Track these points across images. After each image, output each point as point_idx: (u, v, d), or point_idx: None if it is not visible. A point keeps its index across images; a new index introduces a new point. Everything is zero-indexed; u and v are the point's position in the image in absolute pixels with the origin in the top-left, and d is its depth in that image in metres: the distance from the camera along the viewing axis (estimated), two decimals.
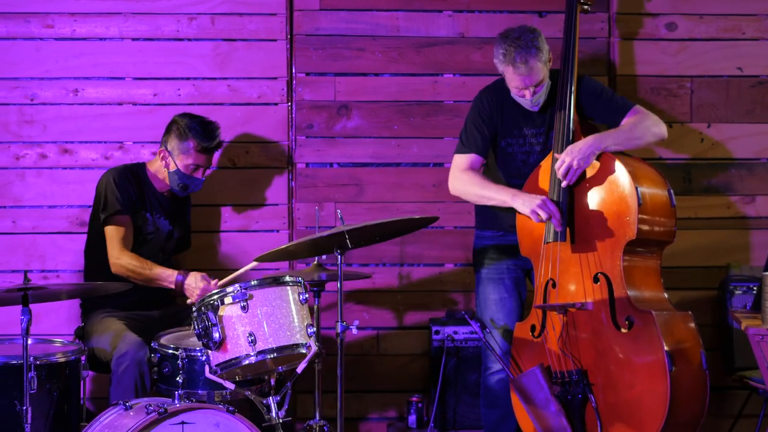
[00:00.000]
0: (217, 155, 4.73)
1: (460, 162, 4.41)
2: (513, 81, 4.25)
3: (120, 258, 4.39)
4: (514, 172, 4.42)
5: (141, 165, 4.65)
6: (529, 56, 4.18)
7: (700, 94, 5.05)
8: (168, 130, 4.54)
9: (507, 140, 4.40)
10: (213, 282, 4.33)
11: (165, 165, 4.53)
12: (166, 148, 4.51)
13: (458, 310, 4.93)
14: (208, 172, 4.62)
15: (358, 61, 4.98)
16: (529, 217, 4.17)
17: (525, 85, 4.24)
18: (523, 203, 4.18)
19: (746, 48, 5.06)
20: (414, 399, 4.75)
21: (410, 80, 4.99)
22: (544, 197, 4.16)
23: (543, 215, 4.11)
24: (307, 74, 4.98)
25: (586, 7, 4.43)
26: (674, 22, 5.03)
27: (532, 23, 4.44)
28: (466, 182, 4.37)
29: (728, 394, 4.96)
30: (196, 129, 4.47)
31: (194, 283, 4.32)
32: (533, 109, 4.35)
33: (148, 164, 4.64)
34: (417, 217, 4.09)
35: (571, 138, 4.20)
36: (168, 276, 4.37)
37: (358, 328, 3.88)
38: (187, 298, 4.37)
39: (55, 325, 4.75)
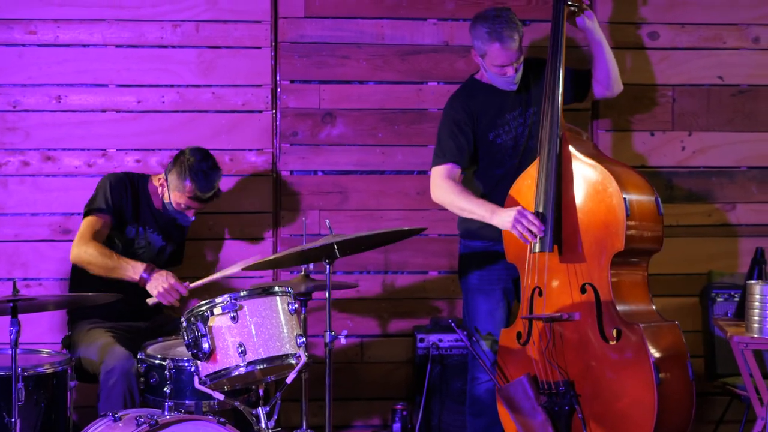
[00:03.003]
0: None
1: (440, 172, 4.41)
2: (498, 58, 4.29)
3: (80, 246, 4.33)
4: (506, 159, 4.43)
5: (144, 177, 4.62)
6: (515, 32, 4.27)
7: (682, 102, 5.09)
8: (174, 161, 4.49)
9: (494, 132, 4.42)
10: (183, 284, 4.31)
11: (161, 192, 4.51)
12: (166, 178, 4.48)
13: (442, 317, 4.93)
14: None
15: (342, 69, 4.98)
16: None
17: (510, 60, 4.29)
18: (501, 220, 4.19)
19: (727, 57, 5.11)
20: (399, 407, 4.73)
21: (395, 88, 5.01)
22: (518, 208, 4.16)
23: (524, 233, 4.12)
24: (292, 82, 4.98)
25: (573, 8, 4.44)
26: (656, 32, 5.07)
27: None
28: (448, 191, 4.36)
29: (710, 399, 5.00)
30: (197, 175, 4.40)
31: (162, 279, 4.27)
32: (512, 87, 4.39)
33: (151, 177, 4.61)
34: (406, 228, 4.10)
35: (558, 133, 4.20)
36: (132, 268, 4.30)
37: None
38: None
39: (39, 333, 4.71)
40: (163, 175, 4.50)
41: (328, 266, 3.91)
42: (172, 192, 4.46)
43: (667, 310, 4.94)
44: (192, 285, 4.35)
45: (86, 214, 4.44)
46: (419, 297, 5.03)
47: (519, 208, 4.16)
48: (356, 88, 4.99)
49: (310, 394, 4.39)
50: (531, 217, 4.12)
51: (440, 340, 4.74)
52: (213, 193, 4.48)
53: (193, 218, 4.55)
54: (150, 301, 4.31)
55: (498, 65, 4.32)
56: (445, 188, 4.37)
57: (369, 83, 5.01)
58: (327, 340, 3.87)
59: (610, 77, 4.53)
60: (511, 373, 4.25)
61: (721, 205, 5.11)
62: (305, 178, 4.99)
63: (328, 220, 4.07)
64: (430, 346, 4.72)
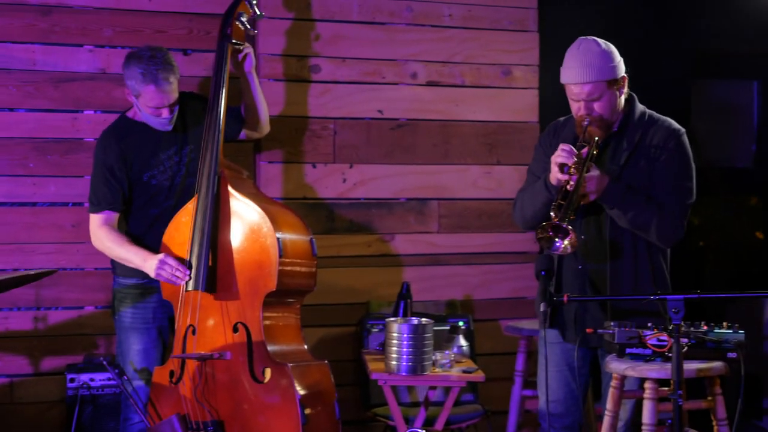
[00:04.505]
0: None
1: (96, 221, 4.30)
2: (153, 100, 4.19)
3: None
4: (161, 199, 4.35)
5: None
6: (171, 73, 4.18)
7: (343, 135, 5.18)
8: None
9: (149, 173, 4.32)
10: None
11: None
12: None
13: (99, 354, 4.77)
14: None
15: None
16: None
17: (166, 102, 4.20)
18: (151, 268, 4.13)
19: (386, 92, 5.24)
20: None
21: (48, 116, 4.81)
22: (161, 256, 4.11)
23: (170, 278, 4.07)
24: None
25: (238, 46, 4.41)
26: (318, 65, 5.13)
27: (177, 61, 4.36)
28: (105, 240, 4.28)
29: (367, 427, 5.12)
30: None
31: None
32: (167, 128, 4.30)
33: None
34: (33, 272, 3.92)
35: (216, 171, 4.15)
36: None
37: None
38: None
39: None
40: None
41: None
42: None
43: (328, 339, 5.05)
44: None
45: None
46: (74, 333, 4.85)
47: (161, 256, 4.11)
48: (5, 115, 4.75)
49: None
50: (174, 263, 4.07)
51: (92, 380, 4.58)
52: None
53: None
54: None
55: (153, 107, 4.22)
56: (101, 237, 4.29)
57: (20, 111, 4.78)
58: None
59: (260, 120, 4.56)
60: (164, 412, 4.17)
61: (381, 236, 5.24)
62: None
63: None
64: (80, 386, 4.56)
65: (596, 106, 3.81)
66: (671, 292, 3.45)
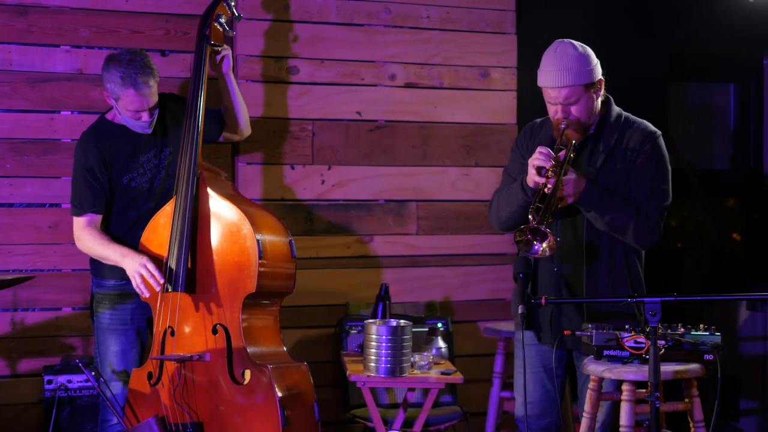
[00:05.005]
0: None
1: (80, 223, 4.29)
2: (133, 104, 4.17)
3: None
4: (141, 202, 4.33)
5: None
6: (150, 77, 4.16)
7: (322, 136, 5.17)
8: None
9: (129, 175, 4.30)
10: None
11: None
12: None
13: (76, 356, 4.76)
14: None
15: None
16: None
17: (145, 106, 4.19)
18: (129, 266, 4.13)
19: (365, 93, 5.24)
20: None
21: (24, 117, 4.78)
22: (142, 260, 4.10)
23: (143, 285, 4.08)
24: None
25: (218, 48, 4.40)
26: (297, 66, 5.13)
27: (155, 62, 4.34)
28: (89, 241, 4.26)
29: (347, 428, 5.12)
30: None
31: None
32: (147, 131, 4.29)
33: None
34: (11, 277, 3.90)
35: (195, 172, 4.14)
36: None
37: None
38: None
39: None
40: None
41: None
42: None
43: (307, 341, 5.05)
44: None
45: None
46: (52, 335, 4.82)
47: (143, 258, 4.10)
48: None
49: None
50: (152, 268, 4.07)
51: (69, 381, 4.57)
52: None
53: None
54: None
55: (132, 110, 4.20)
56: (84, 239, 4.28)
57: None
58: None
59: (239, 122, 4.55)
60: (142, 414, 4.16)
61: (359, 237, 5.24)
62: None
63: None
64: (58, 388, 4.54)
65: (573, 109, 3.82)
66: (647, 294, 3.46)
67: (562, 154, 3.78)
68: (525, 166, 3.86)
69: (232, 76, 4.46)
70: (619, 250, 3.89)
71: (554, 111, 3.85)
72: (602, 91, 3.91)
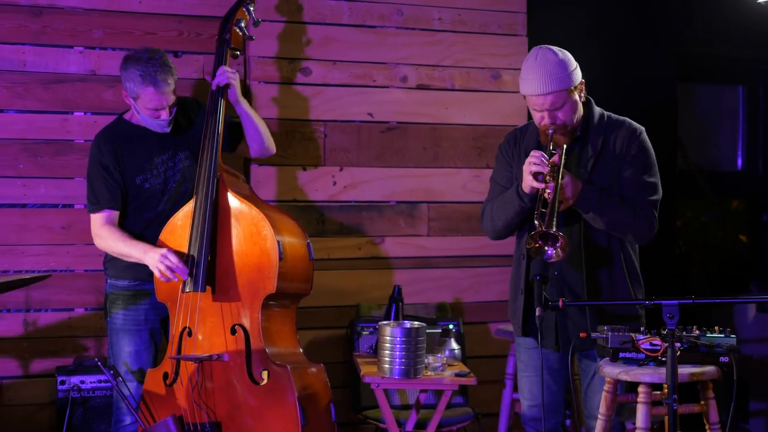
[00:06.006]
0: None
1: (97, 220, 4.28)
2: (152, 102, 4.18)
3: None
4: (154, 203, 4.33)
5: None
6: (169, 75, 4.17)
7: (333, 138, 5.18)
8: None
9: (141, 176, 4.30)
10: None
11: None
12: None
13: (89, 356, 4.77)
14: None
15: None
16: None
17: (165, 104, 4.19)
18: (151, 260, 4.11)
19: (377, 95, 5.25)
20: None
21: (38, 117, 4.79)
22: (164, 251, 4.09)
23: (168, 274, 4.05)
24: None
25: (237, 53, 4.42)
26: (309, 68, 5.13)
27: None
28: (108, 239, 4.25)
29: (357, 429, 5.13)
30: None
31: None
32: (165, 130, 4.29)
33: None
34: (27, 277, 3.90)
35: (215, 174, 4.15)
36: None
37: None
38: None
39: None
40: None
41: None
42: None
43: (318, 342, 5.05)
44: None
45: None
46: (64, 335, 4.83)
47: (164, 250, 4.09)
48: None
49: None
50: (174, 259, 4.06)
51: (83, 382, 4.57)
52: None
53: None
54: None
55: (152, 108, 4.21)
56: (104, 236, 4.26)
57: (9, 112, 4.76)
58: None
59: (263, 142, 4.48)
60: (158, 414, 4.16)
61: (371, 239, 5.25)
62: None
63: None
64: (71, 389, 4.55)
65: (560, 114, 3.84)
66: (663, 297, 3.46)
67: (555, 158, 3.80)
68: (512, 174, 3.88)
69: (243, 103, 4.38)
70: (617, 249, 3.92)
71: (540, 117, 3.87)
72: (584, 93, 3.93)
